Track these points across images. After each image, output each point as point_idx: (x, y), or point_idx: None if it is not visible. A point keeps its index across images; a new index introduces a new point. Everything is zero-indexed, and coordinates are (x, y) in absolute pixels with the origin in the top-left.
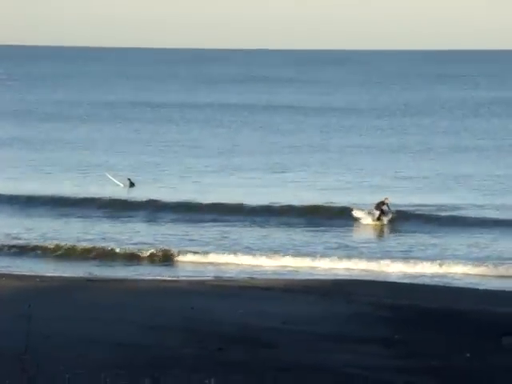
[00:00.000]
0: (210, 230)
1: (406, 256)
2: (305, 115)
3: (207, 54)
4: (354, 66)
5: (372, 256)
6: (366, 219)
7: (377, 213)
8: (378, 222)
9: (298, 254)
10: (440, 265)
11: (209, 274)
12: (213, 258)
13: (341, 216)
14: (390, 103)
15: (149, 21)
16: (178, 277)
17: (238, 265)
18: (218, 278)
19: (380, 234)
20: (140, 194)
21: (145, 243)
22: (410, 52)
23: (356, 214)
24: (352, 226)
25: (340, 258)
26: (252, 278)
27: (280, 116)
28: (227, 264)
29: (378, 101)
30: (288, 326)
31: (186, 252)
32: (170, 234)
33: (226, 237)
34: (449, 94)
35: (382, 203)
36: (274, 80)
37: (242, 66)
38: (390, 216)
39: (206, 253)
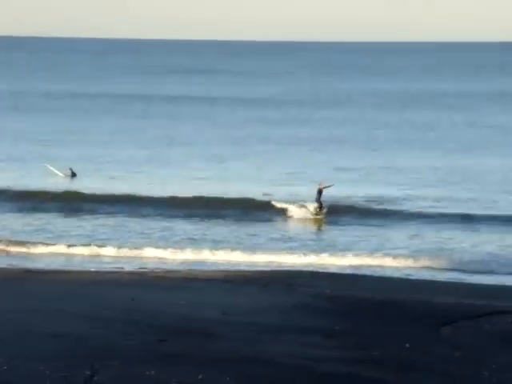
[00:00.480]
0: (144, 223)
1: (345, 248)
2: (244, 106)
3: (143, 44)
4: (297, 56)
5: (311, 248)
6: (300, 213)
7: (316, 205)
8: (317, 216)
9: (235, 247)
10: (378, 256)
11: (149, 266)
12: (150, 252)
13: (279, 210)
14: (330, 94)
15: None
16: (119, 268)
17: (176, 259)
18: (158, 270)
19: (318, 226)
20: (81, 184)
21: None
22: (356, 44)
23: (289, 208)
24: (289, 219)
25: (278, 250)
26: (193, 270)
27: (218, 107)
28: (165, 258)
29: (320, 92)
30: (228, 317)
31: (121, 246)
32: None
33: (164, 230)
34: (388, 86)
35: (320, 191)
36: (210, 71)
37: (176, 57)
38: (317, 205)
39: (139, 247)
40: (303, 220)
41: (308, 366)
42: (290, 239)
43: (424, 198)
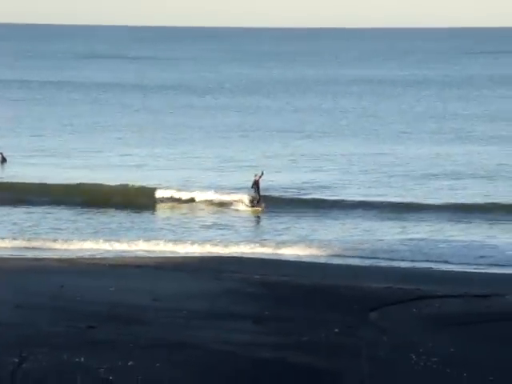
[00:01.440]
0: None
1: (274, 236)
2: (164, 94)
3: (52, 29)
4: (213, 43)
5: (241, 236)
6: (240, 205)
7: (252, 196)
8: (254, 208)
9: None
10: (305, 243)
11: (78, 253)
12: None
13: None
14: (255, 81)
15: None
16: (48, 255)
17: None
18: (88, 256)
19: (255, 216)
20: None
21: None
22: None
23: (227, 199)
24: (227, 210)
25: (209, 238)
26: (122, 257)
27: (128, 94)
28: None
29: (241, 79)
30: (158, 303)
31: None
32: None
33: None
34: (317, 72)
35: (256, 182)
36: (121, 57)
37: (86, 43)
38: (254, 197)
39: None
40: (240, 211)
41: (237, 351)
42: (222, 228)
43: (354, 186)
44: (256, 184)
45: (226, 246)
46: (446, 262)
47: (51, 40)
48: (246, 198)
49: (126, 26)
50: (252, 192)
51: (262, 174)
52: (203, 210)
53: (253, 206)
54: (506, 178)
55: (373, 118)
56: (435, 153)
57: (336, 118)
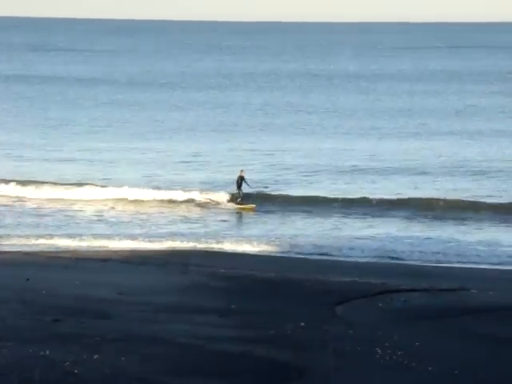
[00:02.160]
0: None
1: (242, 231)
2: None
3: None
4: (144, 35)
5: (209, 232)
6: (229, 204)
7: (236, 193)
8: (242, 205)
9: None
10: (271, 238)
11: (44, 247)
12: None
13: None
14: (204, 73)
15: None
16: (13, 249)
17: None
18: (54, 250)
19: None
20: None
21: None
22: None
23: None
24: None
25: (177, 233)
26: (88, 250)
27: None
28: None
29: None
30: (124, 296)
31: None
32: None
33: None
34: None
35: (241, 178)
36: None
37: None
38: (238, 193)
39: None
40: (230, 209)
41: (203, 344)
42: (191, 222)
43: (321, 182)
44: (241, 180)
45: (192, 240)
46: (412, 256)
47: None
48: (226, 196)
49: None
50: (237, 188)
51: (243, 173)
52: (185, 209)
53: (241, 204)
54: (469, 174)
55: (339, 113)
56: (403, 148)
57: (303, 114)
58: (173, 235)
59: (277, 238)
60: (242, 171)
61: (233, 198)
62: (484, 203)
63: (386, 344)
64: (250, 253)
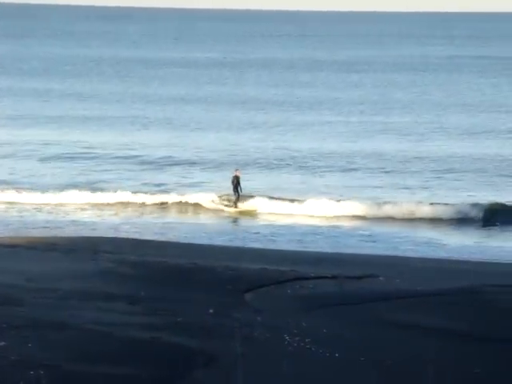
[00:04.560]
0: None
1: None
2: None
3: None
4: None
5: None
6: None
7: (234, 196)
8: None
9: None
10: (184, 222)
11: None
12: None
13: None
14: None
15: None
16: None
17: None
18: None
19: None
20: None
21: None
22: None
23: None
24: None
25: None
26: None
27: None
28: None
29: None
30: (32, 283)
31: None
32: None
33: None
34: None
35: (237, 178)
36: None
37: None
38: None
39: None
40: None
41: (111, 331)
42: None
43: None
44: (236, 180)
45: (101, 226)
46: (321, 244)
47: None
48: (215, 197)
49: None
50: (233, 189)
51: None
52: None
53: (235, 206)
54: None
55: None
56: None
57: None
58: (81, 222)
59: (185, 223)
60: (237, 170)
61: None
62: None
63: (295, 331)
64: (161, 240)
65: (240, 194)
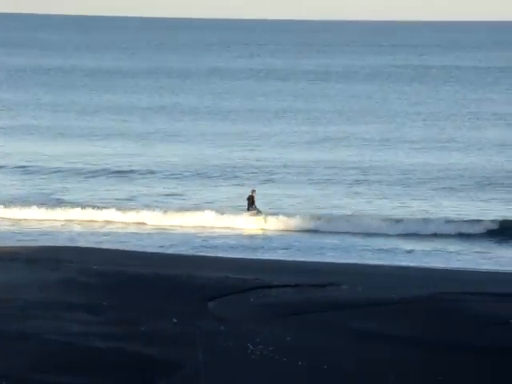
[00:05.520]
0: None
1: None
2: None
3: None
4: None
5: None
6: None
7: (252, 212)
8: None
9: None
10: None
11: None
12: None
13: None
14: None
15: None
16: None
17: None
18: None
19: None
20: None
21: None
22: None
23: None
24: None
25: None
26: None
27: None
28: None
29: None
30: None
31: None
32: None
33: None
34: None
35: (252, 198)
36: None
37: None
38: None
39: None
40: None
41: (71, 341)
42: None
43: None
44: (251, 200)
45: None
46: (285, 253)
47: None
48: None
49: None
50: (248, 209)
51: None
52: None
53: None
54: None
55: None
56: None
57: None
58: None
59: (149, 235)
60: (253, 191)
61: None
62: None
63: (257, 339)
64: (123, 249)
65: (258, 210)
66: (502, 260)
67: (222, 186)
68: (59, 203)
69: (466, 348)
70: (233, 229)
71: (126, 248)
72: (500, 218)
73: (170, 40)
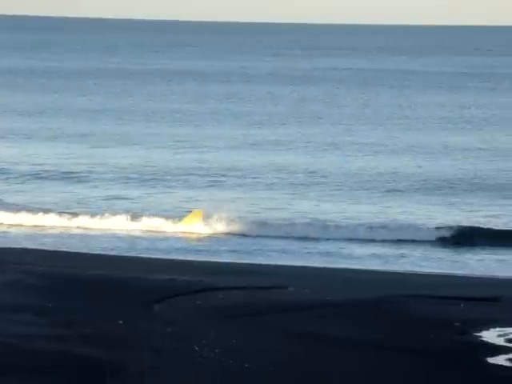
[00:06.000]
0: None
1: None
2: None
3: None
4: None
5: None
6: None
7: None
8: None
9: None
10: (95, 233)
11: None
12: None
13: None
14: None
15: None
16: None
17: None
18: None
19: None
20: None
21: None
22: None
23: None
24: None
25: None
26: None
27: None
28: None
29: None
30: None
31: None
32: None
33: None
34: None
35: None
36: None
37: None
38: None
39: None
40: None
41: (17, 343)
42: None
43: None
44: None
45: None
46: (232, 255)
47: None
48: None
49: None
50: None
51: None
52: None
53: None
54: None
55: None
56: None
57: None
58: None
59: (95, 237)
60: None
61: None
62: None
63: (204, 341)
64: (69, 251)
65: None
66: (448, 264)
67: (168, 188)
68: (1, 205)
69: (409, 350)
70: (178, 232)
71: (72, 250)
72: (447, 222)
73: (122, 41)
